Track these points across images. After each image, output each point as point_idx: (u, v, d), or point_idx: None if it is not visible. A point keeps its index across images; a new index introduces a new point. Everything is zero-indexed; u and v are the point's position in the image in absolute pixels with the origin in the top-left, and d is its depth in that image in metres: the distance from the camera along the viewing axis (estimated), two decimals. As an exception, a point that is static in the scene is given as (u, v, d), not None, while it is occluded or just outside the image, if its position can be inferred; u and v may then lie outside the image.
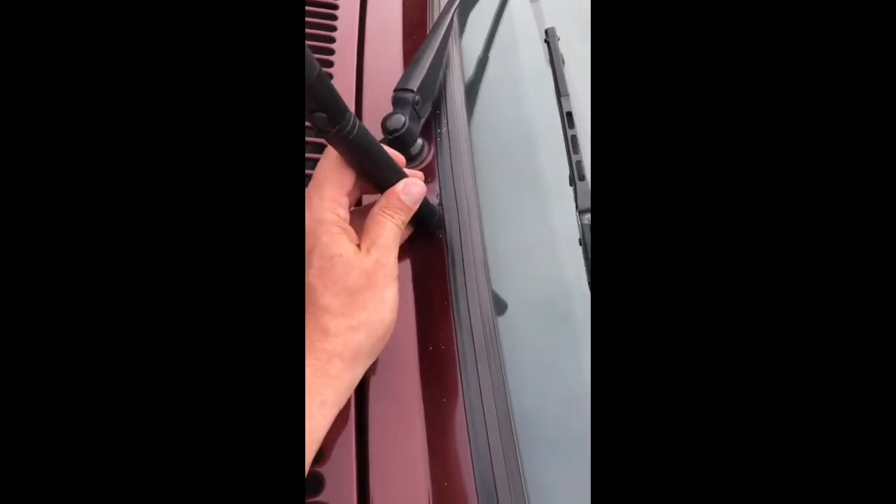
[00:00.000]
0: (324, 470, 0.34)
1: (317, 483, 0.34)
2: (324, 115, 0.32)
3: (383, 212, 0.38)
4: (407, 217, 0.39)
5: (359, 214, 0.40)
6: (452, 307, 0.41)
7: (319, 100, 0.31)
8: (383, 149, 0.38)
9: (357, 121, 0.34)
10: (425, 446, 0.36)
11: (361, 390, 0.38)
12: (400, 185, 0.38)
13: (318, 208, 0.36)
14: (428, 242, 0.44)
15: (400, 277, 0.42)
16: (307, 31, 0.54)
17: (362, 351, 0.35)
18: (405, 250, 0.43)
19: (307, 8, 0.55)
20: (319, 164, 0.38)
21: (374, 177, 0.38)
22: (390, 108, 0.46)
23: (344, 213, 0.37)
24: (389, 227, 0.37)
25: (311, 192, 0.37)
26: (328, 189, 0.37)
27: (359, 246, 0.37)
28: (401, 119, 0.44)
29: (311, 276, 0.35)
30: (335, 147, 0.36)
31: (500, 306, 0.42)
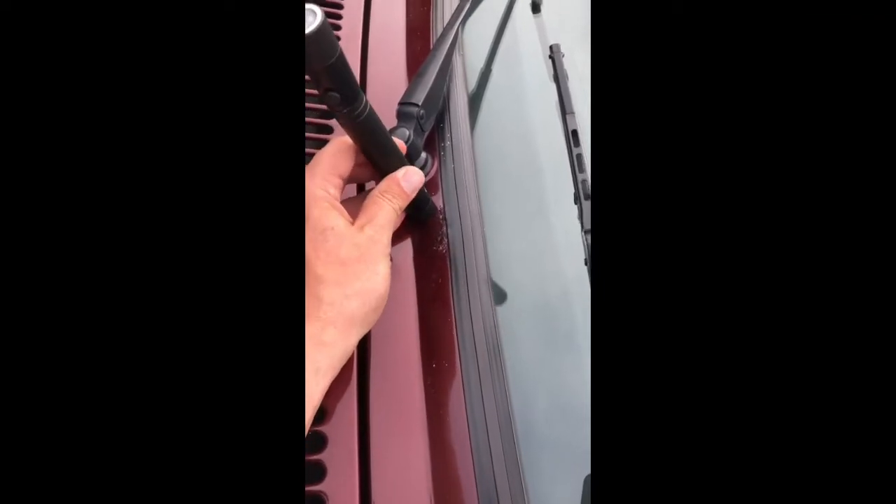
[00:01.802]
0: (325, 487, 0.34)
1: (319, 502, 0.34)
2: (337, 95, 0.33)
3: (382, 195, 0.39)
4: (404, 203, 0.40)
5: (357, 200, 0.41)
6: (456, 322, 0.41)
7: (335, 80, 0.32)
8: (389, 136, 0.39)
9: (369, 105, 0.35)
10: (428, 463, 0.36)
11: (364, 406, 0.37)
12: (401, 172, 0.40)
13: (310, 185, 0.37)
14: (431, 257, 0.44)
15: (403, 293, 0.42)
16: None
17: (356, 319, 0.36)
18: (408, 266, 0.43)
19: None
20: (323, 147, 0.39)
21: (377, 161, 0.40)
22: (394, 120, 0.46)
23: (335, 192, 0.38)
24: (387, 208, 0.39)
25: (306, 169, 0.38)
26: (321, 168, 0.38)
27: (352, 223, 0.38)
28: (405, 133, 0.44)
29: (305, 248, 0.36)
30: (344, 127, 0.37)
31: (503, 321, 0.42)
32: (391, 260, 0.39)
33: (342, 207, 0.38)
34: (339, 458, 0.35)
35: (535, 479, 0.37)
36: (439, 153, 0.49)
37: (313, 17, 0.29)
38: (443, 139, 0.49)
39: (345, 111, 0.34)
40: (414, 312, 0.42)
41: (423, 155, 0.48)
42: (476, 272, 0.43)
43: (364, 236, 0.37)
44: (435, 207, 0.46)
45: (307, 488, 0.34)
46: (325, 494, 0.34)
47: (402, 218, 0.44)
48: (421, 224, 0.46)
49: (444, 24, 0.53)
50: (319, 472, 0.35)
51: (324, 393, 0.34)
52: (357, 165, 0.39)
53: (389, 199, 0.39)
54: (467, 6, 0.54)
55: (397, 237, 0.44)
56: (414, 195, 0.41)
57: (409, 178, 0.40)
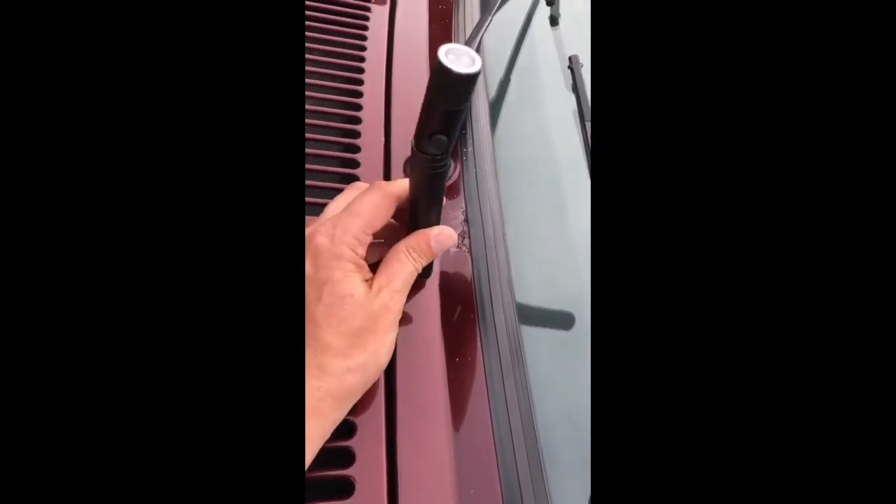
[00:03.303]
0: (354, 472, 0.35)
1: (348, 487, 0.35)
2: (445, 139, 0.31)
3: (409, 252, 0.37)
4: (427, 262, 0.39)
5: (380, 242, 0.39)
6: (478, 320, 0.42)
7: (452, 126, 0.30)
8: (443, 195, 0.38)
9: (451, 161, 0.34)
10: (452, 454, 0.37)
11: (390, 400, 0.39)
12: (435, 231, 0.38)
13: (339, 242, 0.35)
14: (455, 258, 0.46)
15: (429, 291, 0.43)
16: (337, 53, 0.56)
17: (353, 392, 0.35)
18: (433, 265, 0.45)
19: (337, 29, 0.57)
20: (363, 195, 0.37)
21: (419, 213, 0.38)
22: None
23: (362, 251, 0.36)
24: (409, 269, 0.37)
25: (340, 219, 0.36)
26: (356, 224, 0.36)
27: (370, 281, 0.36)
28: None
29: (318, 311, 0.34)
30: (417, 172, 0.35)
31: (523, 320, 0.44)
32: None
33: (366, 268, 0.37)
34: (367, 445, 0.37)
35: (555, 468, 0.38)
36: (462, 158, 0.51)
37: (471, 61, 0.28)
38: (465, 145, 0.51)
39: (438, 158, 0.32)
40: (438, 310, 0.43)
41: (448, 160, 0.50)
42: (498, 271, 0.44)
43: (379, 304, 0.35)
44: (431, 270, 0.44)
45: (337, 472, 0.35)
46: (354, 478, 0.35)
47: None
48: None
49: (466, 37, 0.56)
50: (349, 457, 0.36)
51: (309, 462, 0.33)
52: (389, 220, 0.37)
53: (414, 259, 0.37)
54: (489, 20, 0.56)
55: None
56: (438, 255, 0.39)
57: (442, 240, 0.38)
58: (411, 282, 0.38)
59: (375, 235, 0.38)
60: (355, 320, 0.35)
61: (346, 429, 0.37)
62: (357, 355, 0.35)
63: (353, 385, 0.35)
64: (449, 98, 0.29)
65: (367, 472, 0.36)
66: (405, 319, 0.41)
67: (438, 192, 0.37)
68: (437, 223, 0.39)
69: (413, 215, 0.38)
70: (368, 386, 0.37)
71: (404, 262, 0.37)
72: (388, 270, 0.37)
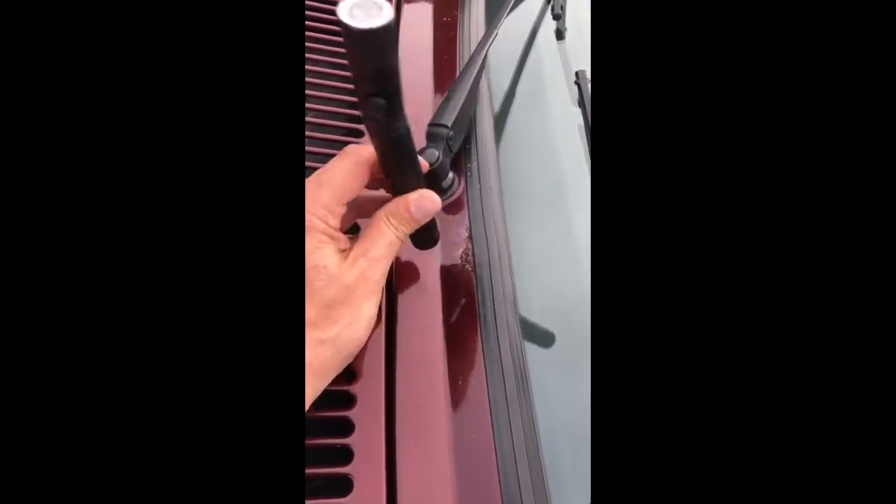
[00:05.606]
0: (352, 501, 0.34)
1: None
2: (383, 101, 0.29)
3: (387, 219, 0.36)
4: (410, 229, 0.37)
5: (359, 206, 0.38)
6: (482, 342, 0.41)
7: (387, 85, 0.28)
8: (417, 157, 0.36)
9: (408, 122, 0.32)
10: (454, 481, 0.36)
11: (390, 420, 0.38)
12: (414, 196, 0.37)
13: (309, 213, 0.34)
14: (457, 275, 0.45)
15: (430, 311, 0.42)
16: (342, 64, 0.55)
17: (328, 365, 0.34)
18: (435, 284, 0.44)
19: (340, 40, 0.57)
20: (332, 164, 0.36)
21: (395, 180, 0.37)
22: (421, 141, 0.47)
23: (334, 222, 0.35)
24: (388, 237, 0.36)
25: (310, 189, 0.35)
26: (327, 195, 0.35)
27: (347, 251, 0.35)
28: (435, 153, 0.45)
29: None
30: (375, 139, 0.33)
31: (528, 340, 0.42)
32: (383, 294, 0.36)
33: (341, 238, 0.36)
34: (366, 471, 0.36)
35: (560, 496, 0.37)
36: (466, 173, 0.50)
37: (378, 10, 0.25)
38: (469, 160, 0.50)
39: (384, 121, 0.30)
40: (440, 331, 0.42)
41: (451, 175, 0.49)
42: (502, 291, 0.43)
43: (355, 273, 0.34)
44: (438, 237, 0.43)
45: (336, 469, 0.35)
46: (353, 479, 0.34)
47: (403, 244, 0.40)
48: (426, 249, 0.43)
49: (471, 50, 0.55)
50: (347, 489, 0.35)
51: None
52: (369, 182, 0.37)
53: (394, 226, 0.36)
54: (495, 33, 0.56)
55: (423, 254, 0.45)
56: (424, 221, 0.38)
57: (422, 205, 0.37)
58: (393, 251, 0.37)
59: (360, 204, 0.37)
60: (327, 291, 0.34)
61: (345, 453, 0.36)
62: (329, 327, 0.34)
63: (328, 358, 0.34)
64: (364, 56, 0.26)
65: (366, 500, 0.35)
66: (407, 338, 0.40)
67: (405, 155, 0.35)
68: (420, 187, 0.37)
69: (391, 182, 0.37)
70: (345, 361, 0.36)
71: (383, 229, 0.36)
72: (365, 239, 0.36)
